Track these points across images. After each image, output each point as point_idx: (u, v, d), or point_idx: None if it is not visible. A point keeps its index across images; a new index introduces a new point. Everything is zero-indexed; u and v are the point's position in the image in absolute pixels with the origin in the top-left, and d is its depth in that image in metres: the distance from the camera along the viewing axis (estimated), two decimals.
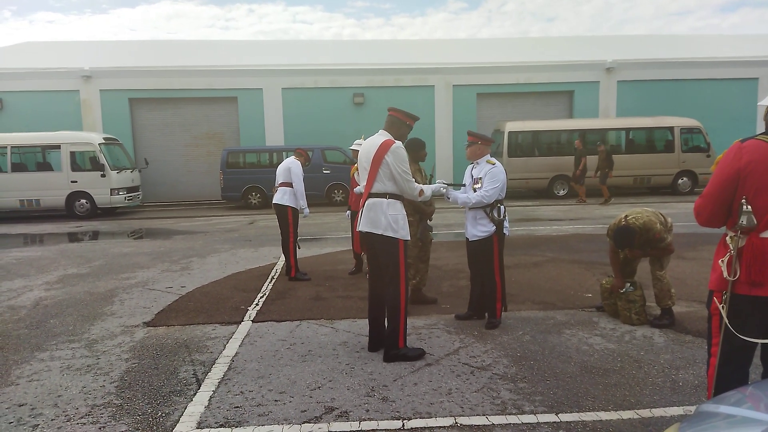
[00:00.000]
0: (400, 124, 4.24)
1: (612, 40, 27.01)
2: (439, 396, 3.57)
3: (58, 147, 15.38)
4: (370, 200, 4.13)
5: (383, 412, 3.37)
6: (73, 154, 15.36)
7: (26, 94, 18.87)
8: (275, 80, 19.61)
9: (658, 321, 4.88)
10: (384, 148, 4.04)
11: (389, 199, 4.07)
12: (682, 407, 3.34)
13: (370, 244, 4.20)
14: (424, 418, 3.28)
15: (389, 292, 4.14)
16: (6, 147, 15.21)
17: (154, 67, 19.58)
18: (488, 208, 4.82)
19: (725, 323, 2.53)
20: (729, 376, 2.60)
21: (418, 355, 4.20)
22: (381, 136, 4.16)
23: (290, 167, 7.03)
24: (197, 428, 3.23)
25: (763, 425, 1.58)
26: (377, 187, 4.09)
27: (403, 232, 4.11)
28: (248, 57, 21.71)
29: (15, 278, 7.58)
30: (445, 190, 4.67)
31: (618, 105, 20.37)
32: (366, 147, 4.18)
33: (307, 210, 7.30)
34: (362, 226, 4.19)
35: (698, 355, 4.14)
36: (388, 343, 4.18)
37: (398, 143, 4.09)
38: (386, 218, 4.04)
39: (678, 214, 10.35)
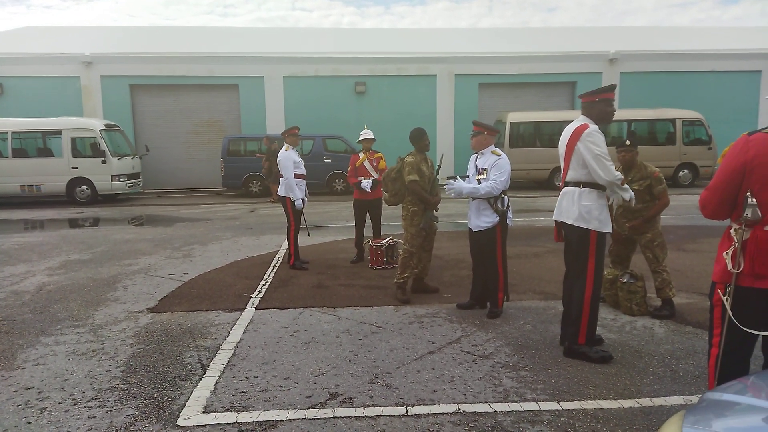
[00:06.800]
0: (590, 105, 3.98)
1: (614, 31, 26.85)
2: (442, 383, 3.61)
3: (58, 133, 15.35)
4: (564, 189, 4.04)
5: (387, 398, 3.41)
6: (73, 140, 15.32)
7: (27, 79, 18.78)
8: (276, 68, 19.51)
9: (659, 312, 4.92)
10: (576, 134, 3.88)
11: (582, 188, 3.91)
12: (682, 396, 3.39)
13: (564, 234, 4.08)
14: (427, 404, 3.32)
15: (577, 286, 3.97)
16: (6, 132, 15.18)
17: (155, 54, 19.46)
18: (492, 199, 4.84)
19: (729, 315, 2.56)
20: (731, 366, 2.64)
21: (601, 358, 3.92)
22: (577, 122, 3.98)
23: (280, 159, 6.97)
24: (204, 412, 3.27)
25: (767, 412, 1.61)
26: (570, 176, 3.97)
27: (597, 223, 3.87)
28: (249, 44, 21.59)
29: (17, 263, 7.61)
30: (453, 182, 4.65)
31: (621, 96, 20.25)
32: (563, 135, 4.02)
33: (298, 201, 6.88)
34: (555, 214, 4.12)
35: (698, 346, 4.18)
36: (569, 337, 4.04)
37: (592, 127, 3.86)
38: (578, 208, 3.90)
39: (678, 207, 10.29)
